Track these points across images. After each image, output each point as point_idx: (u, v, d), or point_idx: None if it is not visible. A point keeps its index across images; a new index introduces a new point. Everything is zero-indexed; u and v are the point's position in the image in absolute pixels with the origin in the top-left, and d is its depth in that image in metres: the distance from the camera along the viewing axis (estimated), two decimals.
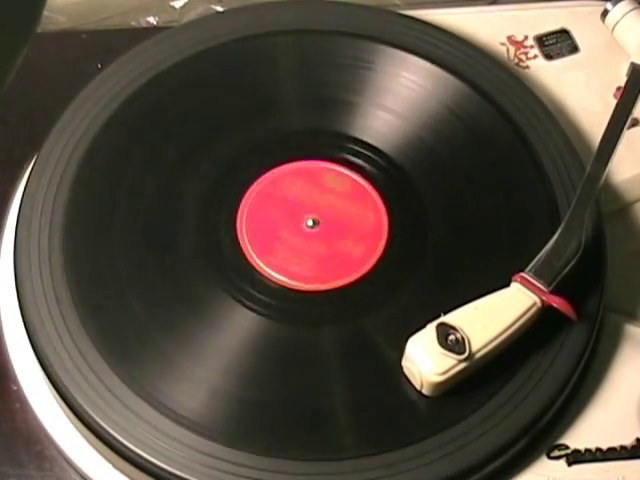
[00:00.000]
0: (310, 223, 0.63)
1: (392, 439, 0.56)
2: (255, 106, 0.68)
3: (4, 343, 0.62)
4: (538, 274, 0.58)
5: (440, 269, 0.62)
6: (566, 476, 0.57)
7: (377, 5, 0.75)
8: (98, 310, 0.59)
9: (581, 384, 0.60)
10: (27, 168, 0.66)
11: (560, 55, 0.73)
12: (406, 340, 0.56)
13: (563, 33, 0.74)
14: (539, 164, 0.65)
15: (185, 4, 0.80)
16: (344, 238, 0.63)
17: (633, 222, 0.67)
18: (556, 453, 0.58)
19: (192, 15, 0.79)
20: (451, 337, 0.56)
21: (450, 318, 0.56)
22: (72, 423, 0.59)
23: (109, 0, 0.79)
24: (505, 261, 0.61)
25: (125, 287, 0.60)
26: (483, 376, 0.57)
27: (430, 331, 0.56)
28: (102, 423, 0.56)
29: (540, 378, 0.57)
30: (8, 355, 0.62)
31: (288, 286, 0.61)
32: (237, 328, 0.59)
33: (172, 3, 0.80)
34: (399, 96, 0.68)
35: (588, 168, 0.62)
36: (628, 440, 0.58)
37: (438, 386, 0.56)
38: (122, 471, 0.57)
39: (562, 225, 0.59)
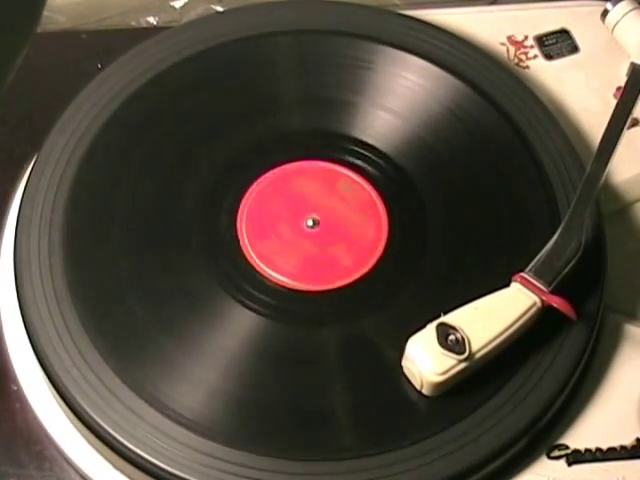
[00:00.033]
0: (310, 223, 0.63)
1: (392, 439, 0.56)
2: (255, 106, 0.68)
3: (4, 343, 0.62)
4: (538, 274, 0.58)
5: (440, 269, 0.62)
6: (566, 476, 0.57)
7: (377, 5, 0.75)
8: (98, 310, 0.59)
9: (581, 384, 0.60)
10: (27, 168, 0.66)
11: (560, 55, 0.73)
12: (406, 340, 0.56)
13: (563, 33, 0.74)
14: (539, 164, 0.65)
15: (185, 4, 0.80)
16: (344, 238, 0.63)
17: (633, 222, 0.67)
18: (556, 453, 0.58)
19: (192, 15, 0.79)
20: (451, 337, 0.56)
21: (450, 318, 0.56)
22: (72, 423, 0.59)
23: (109, 0, 0.79)
24: (505, 261, 0.61)
25: (125, 287, 0.60)
26: (483, 376, 0.57)
27: (430, 331, 0.56)
28: (102, 423, 0.56)
29: (540, 378, 0.57)
30: (8, 355, 0.62)
31: (288, 286, 0.61)
32: (237, 328, 0.59)
33: (172, 3, 0.80)
34: (399, 96, 0.68)
35: (588, 168, 0.62)
36: (628, 440, 0.58)
37: (438, 386, 0.56)
38: (122, 471, 0.57)
39: (562, 225, 0.59)
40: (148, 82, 0.67)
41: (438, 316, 0.57)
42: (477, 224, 0.64)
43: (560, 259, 0.58)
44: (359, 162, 0.65)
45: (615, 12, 0.72)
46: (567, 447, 0.58)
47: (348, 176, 0.65)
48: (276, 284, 0.61)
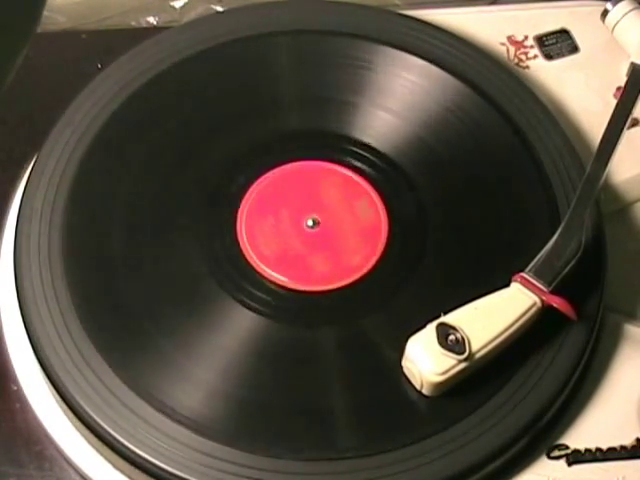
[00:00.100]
0: (310, 223, 0.63)
1: (392, 439, 0.56)
2: (255, 106, 0.68)
3: (4, 343, 0.62)
4: (538, 274, 0.58)
5: (440, 269, 0.62)
6: (566, 476, 0.57)
7: (377, 5, 0.75)
8: (98, 310, 0.59)
9: (581, 384, 0.60)
10: (27, 168, 0.66)
11: (560, 55, 0.73)
12: (406, 340, 0.56)
13: (563, 33, 0.74)
14: (539, 164, 0.65)
15: (185, 4, 0.80)
16: (344, 238, 0.63)
17: (633, 222, 0.67)
18: (556, 453, 0.58)
19: (192, 15, 0.79)
20: (451, 337, 0.56)
21: (450, 318, 0.56)
22: (72, 423, 0.59)
23: (109, 0, 0.79)
24: (505, 261, 0.61)
25: (125, 287, 0.60)
26: (483, 376, 0.57)
27: (430, 331, 0.56)
28: (102, 423, 0.56)
29: (540, 378, 0.57)
30: (8, 355, 0.62)
31: (288, 286, 0.61)
32: (237, 328, 0.59)
33: (172, 3, 0.80)
34: (399, 96, 0.68)
35: (588, 168, 0.62)
36: (628, 440, 0.58)
37: (438, 386, 0.56)
38: (122, 471, 0.57)
39: (562, 225, 0.59)
40: (148, 82, 0.67)
41: (438, 316, 0.57)
42: (477, 224, 0.64)
43: (560, 259, 0.58)
44: (359, 162, 0.65)
45: (615, 12, 0.72)
46: (567, 447, 0.58)
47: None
48: (276, 284, 0.61)
